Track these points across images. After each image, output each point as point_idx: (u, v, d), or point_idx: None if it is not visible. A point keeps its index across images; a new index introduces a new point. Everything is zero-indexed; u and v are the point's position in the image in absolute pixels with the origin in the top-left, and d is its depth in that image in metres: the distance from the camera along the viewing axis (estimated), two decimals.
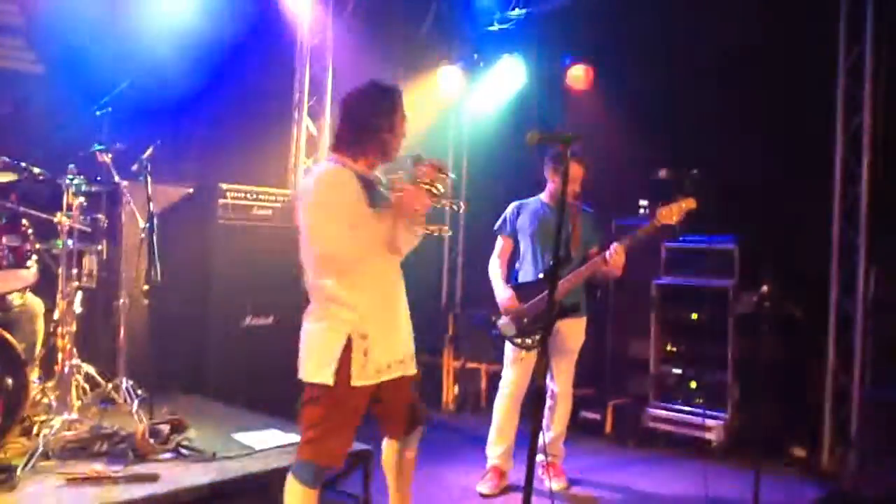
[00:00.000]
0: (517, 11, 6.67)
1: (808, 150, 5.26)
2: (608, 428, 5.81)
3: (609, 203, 5.37)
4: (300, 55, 6.47)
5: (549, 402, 4.70)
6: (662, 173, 5.72)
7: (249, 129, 6.11)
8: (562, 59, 6.51)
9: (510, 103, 6.83)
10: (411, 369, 3.13)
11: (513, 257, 4.71)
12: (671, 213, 4.26)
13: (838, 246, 5.10)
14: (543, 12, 6.51)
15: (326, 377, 2.89)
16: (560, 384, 4.66)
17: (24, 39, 5.30)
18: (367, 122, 2.99)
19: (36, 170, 4.26)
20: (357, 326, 2.92)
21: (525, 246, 4.63)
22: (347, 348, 2.90)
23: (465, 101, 7.42)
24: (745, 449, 5.04)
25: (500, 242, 4.70)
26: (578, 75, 6.42)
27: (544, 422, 4.68)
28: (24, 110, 4.80)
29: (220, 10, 5.71)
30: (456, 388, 6.79)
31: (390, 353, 3.02)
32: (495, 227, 4.74)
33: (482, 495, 4.47)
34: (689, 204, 4.26)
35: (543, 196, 4.69)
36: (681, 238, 5.66)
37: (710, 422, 5.30)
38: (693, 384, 5.53)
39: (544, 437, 4.65)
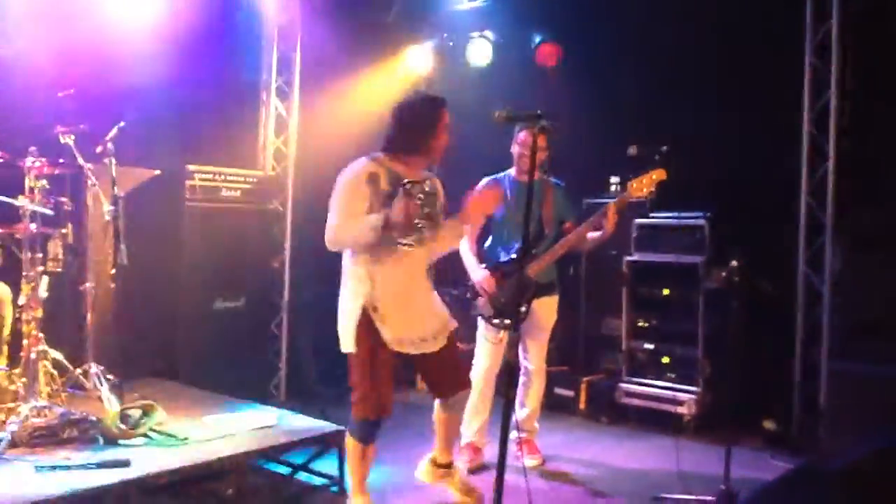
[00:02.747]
0: None
1: (776, 126, 5.30)
2: (581, 404, 5.85)
3: (579, 182, 5.37)
4: (267, 35, 6.37)
5: (522, 379, 4.71)
6: (632, 150, 5.75)
7: (218, 110, 6.01)
8: (531, 37, 6.48)
9: (479, 81, 6.79)
10: (436, 346, 3.58)
11: (486, 232, 4.67)
12: (642, 185, 4.27)
13: (806, 222, 5.15)
14: None
15: (349, 346, 3.48)
16: (533, 361, 4.68)
17: None
18: (414, 126, 3.49)
19: None
20: (370, 299, 3.44)
21: (497, 223, 4.60)
22: (363, 319, 3.43)
23: (434, 79, 7.38)
24: (717, 423, 5.10)
25: None
26: (547, 53, 6.40)
27: (518, 399, 4.70)
28: None
29: None
30: None
31: (406, 330, 3.49)
32: None
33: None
34: (659, 175, 4.27)
35: (513, 172, 4.66)
36: (651, 215, 5.70)
37: (681, 396, 5.36)
38: (665, 360, 5.58)
39: (518, 414, 4.68)
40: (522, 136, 4.46)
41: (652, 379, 5.59)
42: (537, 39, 6.43)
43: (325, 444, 4.11)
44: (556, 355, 4.96)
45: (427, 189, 3.57)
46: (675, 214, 5.60)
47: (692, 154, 5.38)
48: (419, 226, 3.48)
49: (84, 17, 5.26)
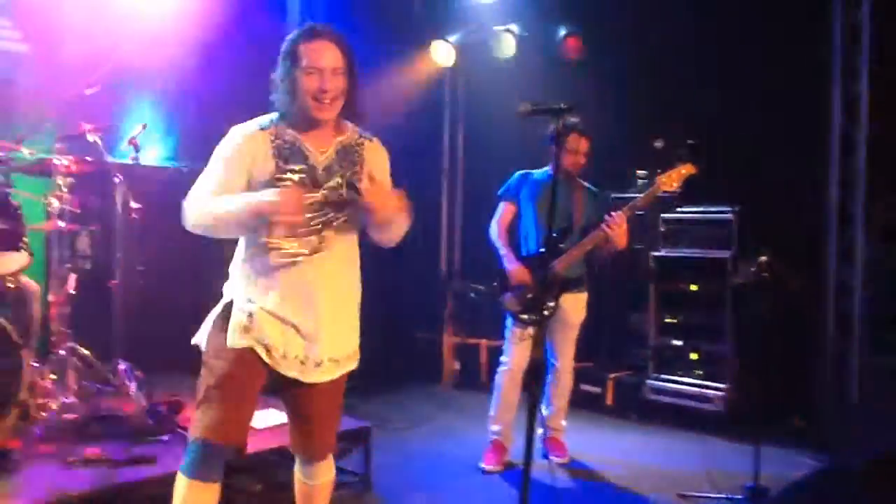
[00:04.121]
0: None
1: (805, 117, 5.21)
2: (608, 401, 5.81)
3: (605, 176, 5.32)
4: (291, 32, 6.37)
5: (549, 377, 4.68)
6: (658, 143, 5.68)
7: (241, 108, 6.01)
8: (556, 30, 6.43)
9: (504, 74, 6.76)
10: (327, 375, 2.63)
11: (513, 228, 4.62)
12: (671, 180, 4.20)
13: (836, 213, 5.06)
14: None
15: (201, 339, 2.67)
16: (561, 359, 4.64)
17: (9, 18, 5.21)
18: (279, 74, 2.59)
19: (25, 150, 4.20)
20: (246, 295, 2.60)
21: (527, 217, 4.55)
22: (226, 310, 2.61)
23: (459, 73, 7.37)
24: (746, 420, 5.03)
25: (501, 207, 4.60)
26: (572, 46, 6.34)
27: (545, 397, 4.67)
28: (9, 89, 4.73)
29: None
30: (456, 364, 6.78)
31: (291, 344, 2.57)
32: (499, 192, 4.63)
33: (484, 471, 4.47)
34: (688, 169, 4.20)
35: (549, 168, 4.59)
36: (677, 209, 5.64)
37: (709, 393, 5.30)
38: (693, 356, 5.52)
39: (544, 412, 4.65)
40: (575, 141, 4.37)
41: (679, 375, 5.53)
42: (562, 32, 6.37)
43: (350, 440, 4.11)
44: (581, 351, 4.92)
45: (332, 163, 2.62)
46: (702, 209, 5.54)
47: (719, 147, 5.30)
48: (313, 223, 2.56)
49: (110, 16, 5.31)
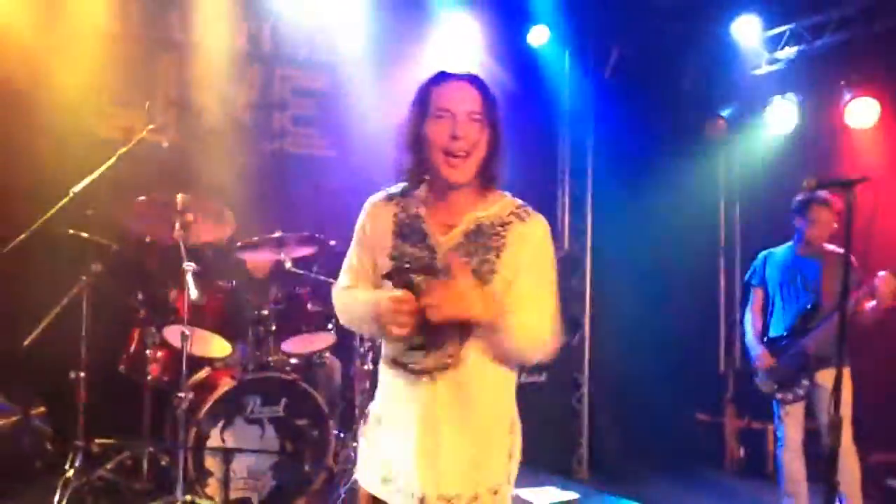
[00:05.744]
0: (787, 51, 6.38)
1: None
2: None
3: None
4: (561, 119, 6.66)
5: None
6: None
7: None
8: (840, 94, 6.07)
9: (783, 146, 6.49)
10: None
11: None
12: None
13: None
14: (816, 48, 6.16)
15: None
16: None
17: (319, 129, 6.00)
18: (405, 128, 2.13)
19: (332, 242, 4.76)
20: (377, 405, 2.23)
21: (773, 297, 4.51)
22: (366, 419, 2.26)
23: (734, 148, 7.18)
24: None
25: (752, 294, 4.65)
26: (860, 111, 5.93)
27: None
28: (320, 190, 5.39)
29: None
30: (741, 450, 6.42)
31: (395, 471, 2.11)
32: (746, 278, 4.71)
33: None
34: None
35: (792, 243, 4.51)
36: None
37: None
38: None
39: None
40: (819, 212, 4.30)
41: None
42: (847, 97, 6.00)
43: None
44: (888, 439, 4.42)
45: (457, 247, 2.04)
46: None
47: None
48: (431, 338, 2.01)
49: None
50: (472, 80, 2.07)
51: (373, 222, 2.13)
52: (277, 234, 4.40)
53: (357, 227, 2.18)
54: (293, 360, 4.60)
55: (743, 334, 4.76)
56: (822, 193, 4.21)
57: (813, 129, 6.26)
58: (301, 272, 4.62)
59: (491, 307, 1.93)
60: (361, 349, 4.57)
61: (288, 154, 5.91)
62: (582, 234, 6.61)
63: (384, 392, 2.18)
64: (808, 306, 4.31)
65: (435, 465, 2.04)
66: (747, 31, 6.35)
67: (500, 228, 2.04)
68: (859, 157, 5.63)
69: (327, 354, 4.83)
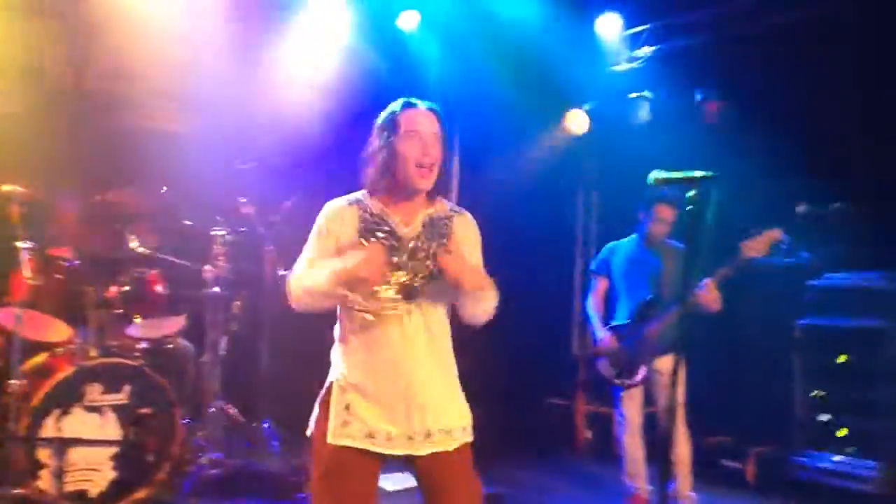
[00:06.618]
0: (645, 50, 6.63)
1: None
2: (750, 478, 5.52)
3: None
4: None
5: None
6: (801, 208, 5.47)
7: None
8: (692, 94, 6.37)
9: (639, 141, 6.74)
10: (440, 446, 2.53)
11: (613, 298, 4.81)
12: (757, 246, 4.12)
13: None
14: (673, 49, 6.44)
15: (309, 428, 2.63)
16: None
17: (175, 101, 5.74)
18: (372, 146, 2.64)
19: (186, 223, 4.58)
20: (343, 374, 2.57)
21: (618, 287, 4.73)
22: (328, 394, 2.57)
23: (592, 141, 7.40)
24: None
25: (594, 282, 4.89)
26: (710, 110, 6.26)
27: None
28: (170, 168, 5.17)
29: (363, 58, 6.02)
30: (589, 434, 6.67)
31: (394, 421, 2.50)
32: (591, 268, 4.97)
33: None
34: (774, 235, 4.13)
35: (636, 236, 4.74)
36: (825, 276, 5.39)
37: (862, 472, 4.95)
38: (842, 432, 5.18)
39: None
40: (662, 210, 4.52)
41: (828, 453, 5.19)
42: (699, 97, 6.31)
43: None
44: (719, 423, 4.72)
45: (418, 234, 2.59)
46: (852, 275, 5.26)
47: (868, 210, 5.06)
48: (402, 279, 2.52)
49: (263, 96, 5.73)
50: (432, 108, 2.61)
51: (339, 222, 2.59)
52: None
53: (316, 226, 2.62)
54: (141, 345, 4.39)
55: (588, 319, 4.94)
56: (665, 191, 4.39)
57: (668, 125, 6.54)
58: (149, 252, 4.40)
59: (485, 280, 2.58)
60: (213, 334, 4.42)
61: (141, 128, 5.59)
62: None
63: (355, 359, 2.55)
64: (649, 297, 4.50)
65: (424, 404, 2.50)
66: (609, 28, 6.58)
67: (446, 220, 2.64)
68: (709, 153, 5.90)
69: (179, 339, 4.63)
